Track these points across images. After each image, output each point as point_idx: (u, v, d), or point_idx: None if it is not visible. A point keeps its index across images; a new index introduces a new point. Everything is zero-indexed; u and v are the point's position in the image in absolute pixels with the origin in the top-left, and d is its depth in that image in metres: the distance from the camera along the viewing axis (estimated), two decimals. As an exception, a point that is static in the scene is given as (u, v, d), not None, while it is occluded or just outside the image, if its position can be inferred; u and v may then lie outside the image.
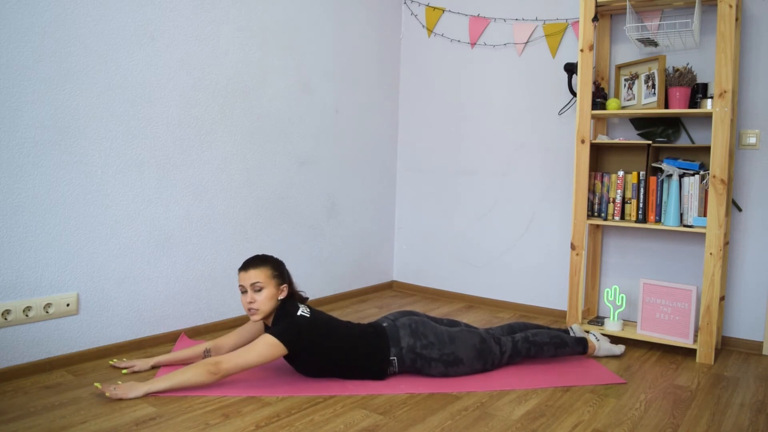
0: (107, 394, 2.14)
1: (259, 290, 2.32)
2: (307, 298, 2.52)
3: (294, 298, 2.44)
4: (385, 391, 2.34)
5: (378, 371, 2.42)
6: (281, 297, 2.37)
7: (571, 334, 2.89)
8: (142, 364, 2.46)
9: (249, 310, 2.35)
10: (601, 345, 2.82)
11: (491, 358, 2.54)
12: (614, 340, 3.02)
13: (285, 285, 2.39)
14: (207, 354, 2.50)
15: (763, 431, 2.10)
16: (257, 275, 2.33)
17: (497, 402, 2.28)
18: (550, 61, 3.56)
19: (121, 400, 2.14)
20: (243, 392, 2.27)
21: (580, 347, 2.75)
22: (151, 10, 2.72)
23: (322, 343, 2.33)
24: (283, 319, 2.32)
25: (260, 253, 2.58)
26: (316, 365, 2.39)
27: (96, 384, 2.20)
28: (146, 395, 2.18)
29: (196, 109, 2.94)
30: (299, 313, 2.33)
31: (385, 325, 2.49)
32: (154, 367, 2.49)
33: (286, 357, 2.35)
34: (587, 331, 2.96)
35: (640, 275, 3.28)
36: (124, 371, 2.45)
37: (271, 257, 2.44)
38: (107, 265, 2.62)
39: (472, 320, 3.45)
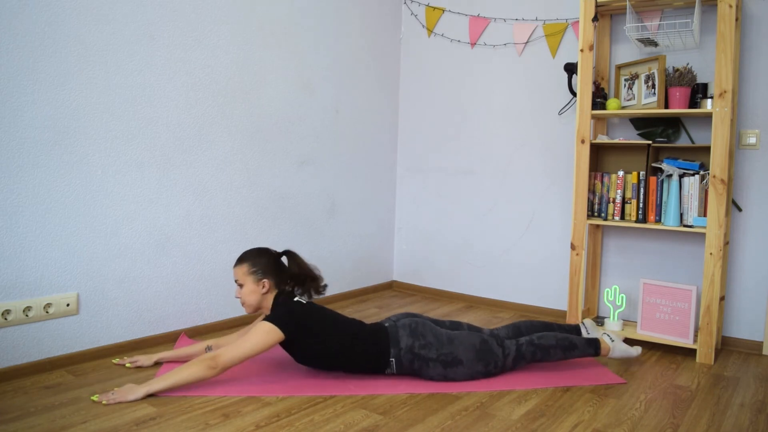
0: (104, 403, 2.13)
1: (241, 286, 2.43)
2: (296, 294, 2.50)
3: (286, 292, 2.47)
4: (385, 391, 2.34)
5: (376, 367, 2.43)
6: (263, 291, 2.42)
7: (583, 331, 2.80)
8: (145, 359, 2.50)
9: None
10: (615, 346, 2.65)
11: (493, 360, 2.47)
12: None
13: (265, 280, 2.42)
14: (209, 351, 2.52)
15: (763, 431, 2.10)
16: (236, 273, 2.44)
17: (497, 402, 2.28)
18: (550, 61, 3.56)
19: (120, 403, 2.15)
20: (243, 392, 2.27)
21: (592, 349, 2.60)
22: (151, 10, 2.72)
23: (318, 329, 2.35)
24: (279, 307, 2.38)
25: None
26: (313, 353, 2.39)
27: (93, 397, 2.17)
28: (146, 396, 2.18)
29: (196, 109, 2.94)
30: (295, 299, 2.41)
31: (387, 325, 2.47)
32: (157, 363, 2.52)
33: (284, 346, 2.36)
34: (604, 333, 2.85)
35: (640, 275, 3.28)
36: (128, 365, 2.49)
37: (251, 253, 2.47)
38: (107, 265, 2.62)
39: (472, 320, 3.45)
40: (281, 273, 2.48)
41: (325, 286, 2.56)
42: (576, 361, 2.74)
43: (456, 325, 2.62)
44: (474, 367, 2.44)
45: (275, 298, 2.44)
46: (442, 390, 2.36)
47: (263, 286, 2.42)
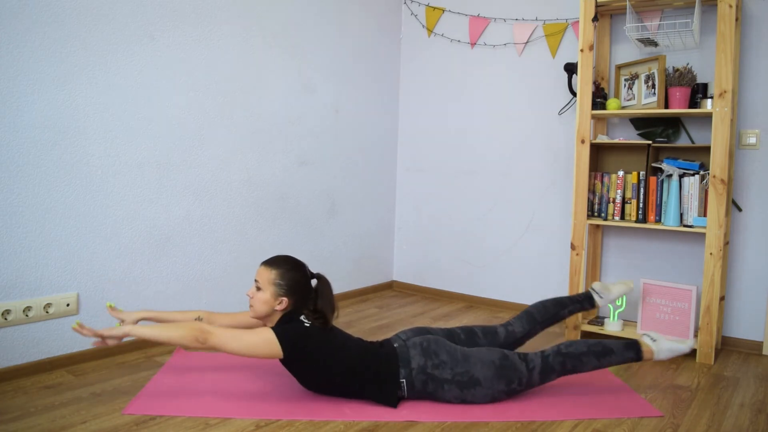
0: (84, 332, 2.05)
1: (258, 289, 2.24)
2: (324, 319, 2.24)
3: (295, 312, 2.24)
4: (392, 418, 2.11)
5: (384, 395, 2.19)
6: (278, 308, 2.22)
7: (595, 297, 2.63)
8: (128, 317, 2.33)
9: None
10: (660, 347, 2.36)
11: (517, 377, 2.21)
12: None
13: (284, 299, 2.22)
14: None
15: (763, 431, 2.10)
16: (260, 274, 2.24)
17: None
18: (550, 61, 3.56)
19: (102, 338, 2.07)
20: (246, 414, 2.10)
21: (632, 353, 2.32)
22: (151, 10, 2.72)
23: (320, 356, 2.16)
24: (285, 325, 2.20)
25: (275, 253, 2.43)
26: (313, 378, 2.22)
27: (75, 323, 2.07)
28: (126, 335, 2.09)
29: (196, 109, 2.94)
30: (302, 319, 2.20)
31: (396, 345, 2.26)
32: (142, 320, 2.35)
33: (284, 363, 2.20)
34: (644, 334, 2.51)
35: (640, 275, 3.28)
36: (111, 307, 2.36)
37: (286, 263, 2.27)
38: (107, 265, 2.62)
39: (472, 320, 3.45)
40: (305, 299, 2.26)
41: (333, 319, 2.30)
42: (606, 386, 2.47)
43: (468, 332, 2.46)
44: (495, 386, 2.20)
45: (282, 317, 2.23)
46: (453, 419, 2.10)
47: (280, 303, 2.22)
